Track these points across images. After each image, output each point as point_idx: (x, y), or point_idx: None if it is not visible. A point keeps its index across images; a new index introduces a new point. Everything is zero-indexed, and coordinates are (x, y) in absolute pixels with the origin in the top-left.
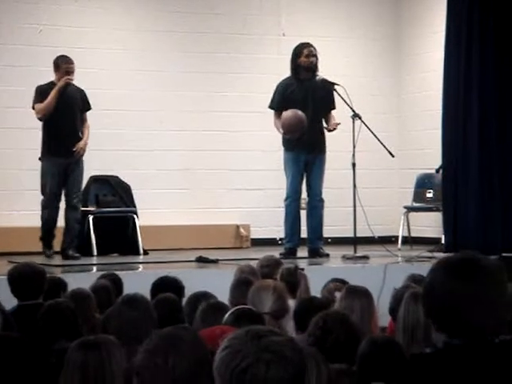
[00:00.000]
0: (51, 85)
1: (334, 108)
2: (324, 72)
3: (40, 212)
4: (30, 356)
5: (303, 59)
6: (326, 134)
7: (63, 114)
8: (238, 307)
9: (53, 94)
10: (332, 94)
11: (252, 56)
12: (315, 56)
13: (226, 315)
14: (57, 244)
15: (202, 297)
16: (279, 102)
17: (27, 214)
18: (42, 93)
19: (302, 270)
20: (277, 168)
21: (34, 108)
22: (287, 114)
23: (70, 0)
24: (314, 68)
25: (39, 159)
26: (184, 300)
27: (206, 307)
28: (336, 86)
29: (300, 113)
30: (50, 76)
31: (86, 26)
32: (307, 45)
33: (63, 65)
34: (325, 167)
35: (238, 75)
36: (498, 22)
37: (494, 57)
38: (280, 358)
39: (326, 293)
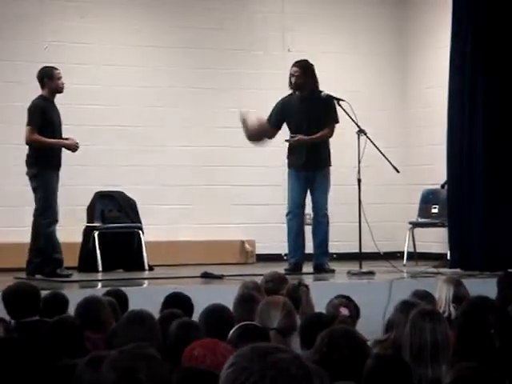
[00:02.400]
0: (45, 101)
1: (335, 122)
2: (329, 87)
3: (42, 231)
4: (32, 372)
5: (289, 80)
6: (332, 148)
7: (59, 128)
8: (243, 323)
9: (56, 143)
10: (332, 109)
11: (257, 72)
12: (294, 76)
13: (231, 332)
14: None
15: (218, 310)
16: (275, 120)
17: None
18: (43, 113)
19: (307, 286)
20: (282, 183)
21: (28, 126)
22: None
23: (75, 16)
24: (296, 87)
25: (34, 175)
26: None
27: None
28: (341, 102)
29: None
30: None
31: (91, 42)
32: (293, 64)
33: (55, 71)
34: (329, 182)
35: (244, 91)
36: (502, 36)
37: (499, 71)
38: (286, 376)
39: (331, 308)
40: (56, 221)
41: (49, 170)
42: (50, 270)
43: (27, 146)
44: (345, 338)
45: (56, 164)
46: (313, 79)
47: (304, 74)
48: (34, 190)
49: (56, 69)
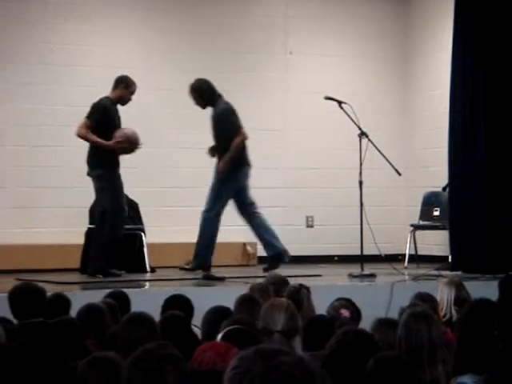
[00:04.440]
0: (111, 103)
1: (238, 129)
2: (331, 90)
3: (111, 231)
4: (35, 374)
5: None
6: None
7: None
8: (230, 327)
9: (106, 145)
10: (224, 121)
11: (259, 74)
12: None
13: (219, 335)
14: (56, 262)
15: (220, 312)
16: None
17: (37, 231)
18: (105, 112)
19: (308, 288)
20: (283, 186)
21: (86, 118)
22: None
23: (80, 19)
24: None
25: (99, 176)
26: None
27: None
28: (343, 104)
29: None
30: (63, 93)
31: (95, 45)
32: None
33: (134, 86)
34: (220, 181)
35: (245, 93)
36: (504, 39)
37: (500, 75)
38: (289, 378)
39: (332, 311)
40: (122, 221)
41: (113, 170)
42: (105, 270)
43: (88, 147)
44: (357, 337)
45: (118, 162)
46: (206, 96)
47: (194, 93)
48: (101, 190)
49: (135, 85)
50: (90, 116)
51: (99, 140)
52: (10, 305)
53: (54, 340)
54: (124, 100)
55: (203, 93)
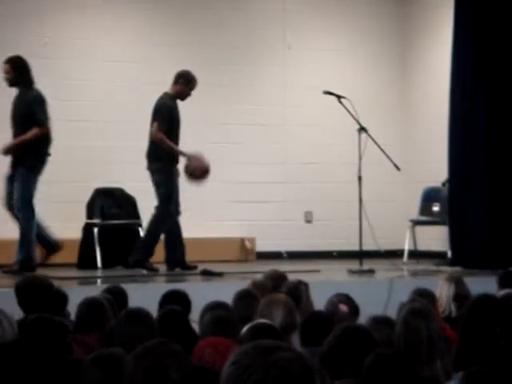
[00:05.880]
0: (171, 100)
1: (41, 123)
2: (329, 85)
3: (159, 223)
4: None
5: None
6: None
7: (177, 128)
8: (256, 322)
9: (176, 151)
10: (37, 108)
11: (258, 69)
12: (3, 73)
13: (244, 330)
14: (66, 256)
15: (218, 307)
16: None
17: None
18: (169, 111)
19: (306, 284)
20: (282, 181)
21: (156, 122)
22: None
23: (77, 13)
24: (7, 84)
25: (156, 170)
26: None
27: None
28: (342, 99)
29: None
30: (58, 87)
31: (91, 38)
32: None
33: (194, 82)
34: (23, 180)
35: (243, 88)
36: (504, 35)
37: (500, 69)
38: (288, 375)
39: (330, 306)
40: (178, 213)
41: (170, 165)
42: (139, 262)
43: (150, 142)
44: (355, 333)
45: (176, 158)
46: (25, 74)
47: (13, 69)
48: (157, 184)
49: (196, 81)
50: (159, 119)
51: (175, 147)
52: (18, 296)
53: (35, 336)
54: (183, 95)
55: (24, 70)
